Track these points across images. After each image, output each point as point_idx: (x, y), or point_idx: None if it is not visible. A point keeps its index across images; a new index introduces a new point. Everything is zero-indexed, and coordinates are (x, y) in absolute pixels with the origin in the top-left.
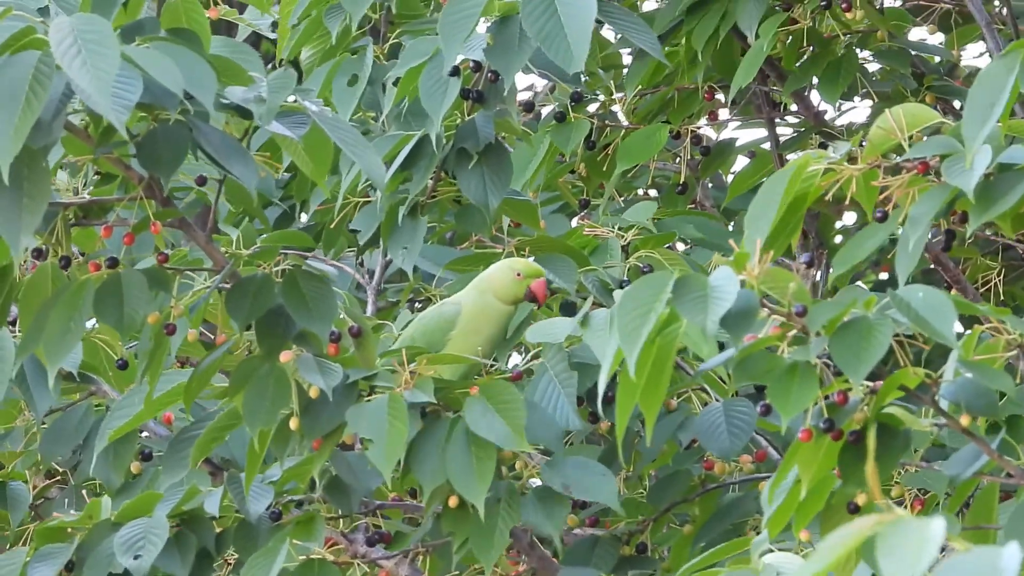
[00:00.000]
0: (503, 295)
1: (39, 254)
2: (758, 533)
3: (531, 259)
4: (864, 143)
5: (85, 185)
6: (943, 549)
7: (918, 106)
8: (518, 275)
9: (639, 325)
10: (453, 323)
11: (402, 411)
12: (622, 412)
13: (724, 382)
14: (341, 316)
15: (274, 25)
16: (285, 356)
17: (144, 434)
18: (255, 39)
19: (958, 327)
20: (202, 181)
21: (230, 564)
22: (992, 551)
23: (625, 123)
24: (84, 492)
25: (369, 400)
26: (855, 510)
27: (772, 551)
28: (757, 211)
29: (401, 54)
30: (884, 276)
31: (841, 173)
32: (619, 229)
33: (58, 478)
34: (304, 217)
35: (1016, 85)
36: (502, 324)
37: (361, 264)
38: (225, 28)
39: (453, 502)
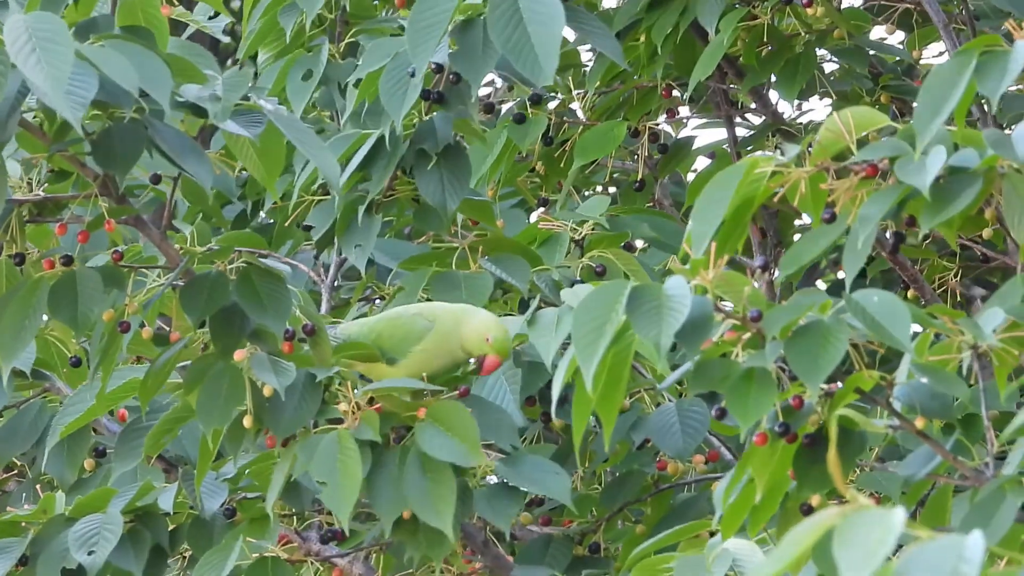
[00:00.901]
0: (467, 345)
1: None
2: (712, 533)
3: (503, 327)
4: (813, 146)
5: (39, 182)
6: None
7: (867, 109)
8: (487, 340)
9: (595, 339)
10: (420, 339)
11: (353, 450)
12: (578, 421)
13: (679, 384)
14: (296, 314)
15: (231, 25)
16: (239, 354)
17: (98, 432)
18: (213, 39)
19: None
20: (156, 179)
21: (184, 559)
22: (956, 539)
23: (583, 120)
24: (39, 487)
25: (317, 432)
26: (808, 511)
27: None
28: (704, 211)
29: (362, 55)
30: (842, 275)
31: (789, 176)
32: (574, 224)
33: (15, 472)
34: (262, 215)
35: (972, 85)
36: (456, 363)
37: (317, 259)
38: (180, 28)
39: (407, 514)
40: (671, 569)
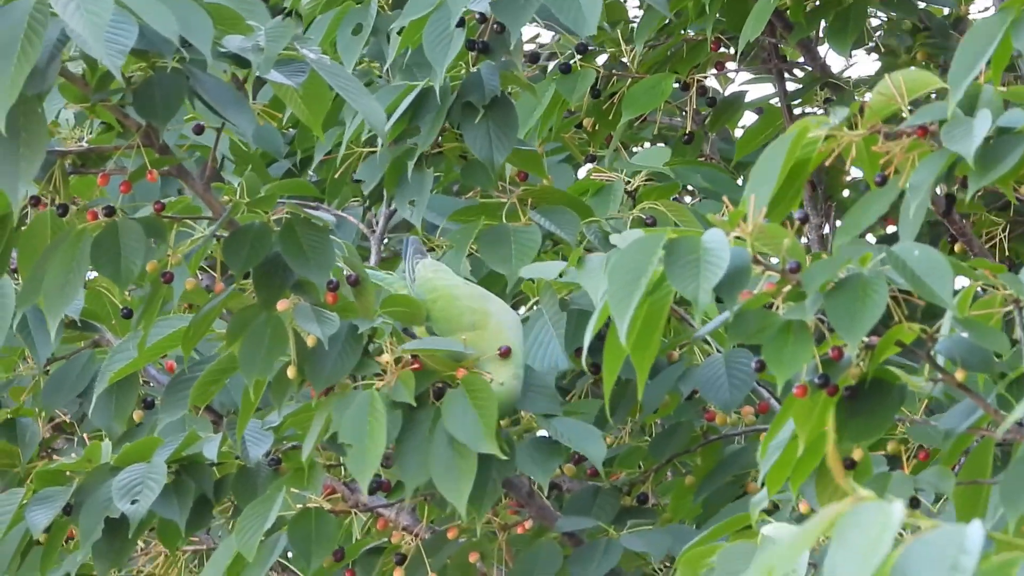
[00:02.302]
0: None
1: (37, 202)
2: (762, 485)
3: None
4: (864, 108)
5: (90, 133)
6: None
7: (918, 71)
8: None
9: (630, 291)
10: (461, 331)
11: (382, 414)
12: (610, 369)
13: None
14: (339, 265)
15: None
16: (282, 305)
17: (147, 383)
18: None
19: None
20: (199, 130)
21: (229, 510)
22: (956, 530)
23: (632, 72)
24: (87, 436)
25: (356, 388)
26: (851, 466)
27: (772, 512)
28: (759, 177)
29: (406, 3)
30: (892, 229)
31: (841, 139)
32: (627, 175)
33: (65, 432)
34: (310, 173)
35: (1007, 40)
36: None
37: (367, 212)
38: None
39: None
40: (713, 564)
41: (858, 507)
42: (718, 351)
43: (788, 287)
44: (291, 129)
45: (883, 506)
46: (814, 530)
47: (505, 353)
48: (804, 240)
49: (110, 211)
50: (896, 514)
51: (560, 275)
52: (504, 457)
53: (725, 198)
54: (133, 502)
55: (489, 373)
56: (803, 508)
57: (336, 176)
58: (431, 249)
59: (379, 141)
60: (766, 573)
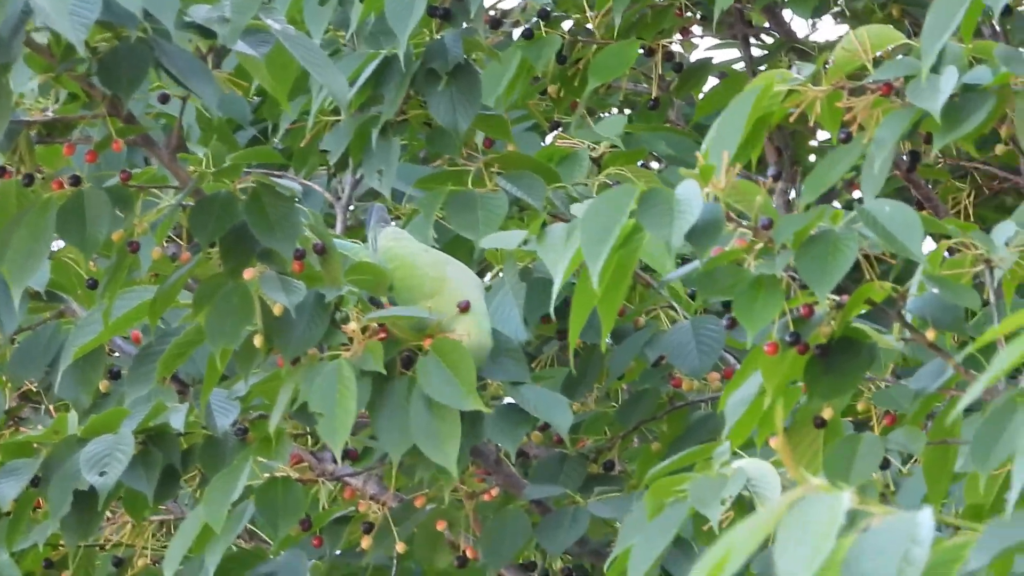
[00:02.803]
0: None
1: (2, 172)
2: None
3: None
4: (829, 64)
5: (56, 103)
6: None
7: (883, 27)
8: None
9: (604, 238)
10: (420, 300)
11: (351, 382)
12: (577, 317)
13: (692, 299)
14: (306, 234)
15: None
16: (249, 273)
17: (113, 354)
18: None
19: (930, 244)
20: (165, 99)
21: (196, 479)
22: (907, 520)
23: (597, 39)
24: (52, 409)
25: (322, 359)
26: (821, 424)
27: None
28: (723, 130)
29: None
30: (857, 195)
31: (805, 95)
32: (591, 143)
33: (31, 401)
34: (275, 141)
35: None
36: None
37: (332, 180)
38: None
39: None
40: (685, 491)
41: (806, 499)
42: (685, 318)
43: (759, 244)
44: (258, 97)
45: (830, 498)
46: (765, 522)
47: (464, 307)
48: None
49: (76, 180)
50: (843, 506)
51: (524, 242)
52: (489, 411)
53: (698, 154)
54: (101, 473)
55: (452, 332)
56: (773, 444)
57: (303, 145)
58: (397, 217)
59: (341, 110)
60: (717, 566)
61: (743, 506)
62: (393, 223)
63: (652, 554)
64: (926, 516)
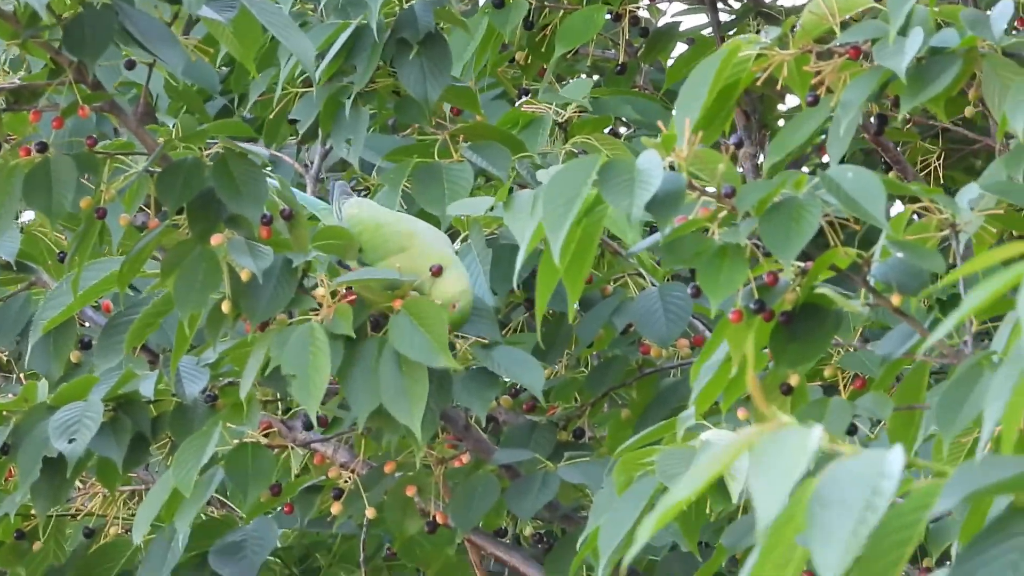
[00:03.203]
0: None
1: None
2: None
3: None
4: (796, 28)
5: (25, 71)
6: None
7: None
8: (452, 308)
9: (565, 211)
10: (385, 257)
11: (324, 343)
12: (542, 291)
13: (660, 267)
14: (273, 199)
15: None
16: (216, 239)
17: (83, 324)
18: None
19: (900, 208)
20: (131, 65)
21: (167, 446)
22: (877, 455)
23: (564, 4)
24: (23, 376)
25: (291, 324)
26: (788, 391)
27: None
28: (688, 96)
29: None
30: (827, 159)
31: (772, 58)
32: (557, 107)
33: (1, 370)
34: (244, 112)
35: None
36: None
37: (300, 151)
38: None
39: None
40: (653, 464)
41: (777, 432)
42: (653, 285)
43: (723, 212)
44: (226, 67)
45: (802, 430)
46: (729, 453)
47: (437, 272)
48: (740, 170)
49: (43, 147)
50: (814, 438)
51: (491, 209)
52: (459, 368)
53: (660, 123)
54: (70, 441)
55: (437, 298)
56: (741, 415)
57: (272, 116)
58: (367, 188)
59: (315, 79)
60: (686, 493)
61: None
62: (355, 196)
63: (621, 530)
64: (896, 452)
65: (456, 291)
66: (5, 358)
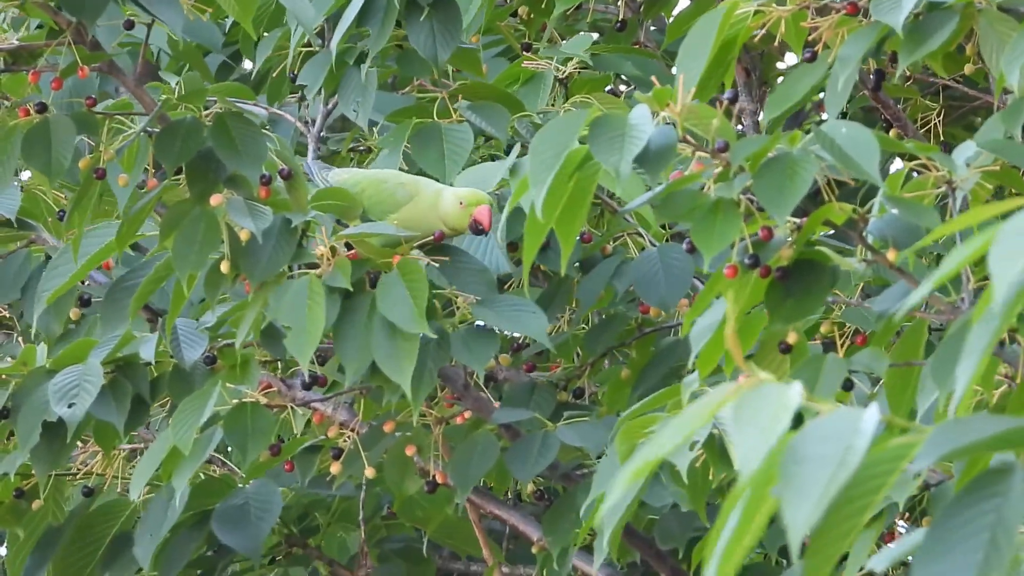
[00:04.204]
0: (448, 222)
1: None
2: (693, 368)
3: (473, 189)
4: None
5: (26, 29)
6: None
7: None
8: (461, 204)
9: (550, 165)
10: (397, 208)
11: (321, 297)
12: (530, 244)
13: (664, 228)
14: (272, 159)
15: None
16: (215, 199)
17: (85, 282)
18: None
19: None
20: (130, 25)
21: (167, 406)
22: (852, 413)
23: None
24: (21, 340)
25: (290, 278)
26: (787, 350)
27: (703, 391)
28: (689, 53)
29: None
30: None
31: (770, 15)
32: (558, 63)
33: (4, 327)
34: (248, 64)
35: None
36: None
37: (304, 103)
38: None
39: None
40: (651, 432)
41: (757, 388)
42: (653, 245)
43: (718, 168)
44: (226, 18)
45: (781, 387)
46: (709, 407)
47: (439, 237)
48: (740, 127)
49: (42, 107)
50: (794, 394)
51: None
52: (432, 335)
53: (654, 78)
54: (70, 405)
55: (460, 200)
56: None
57: (275, 76)
58: (368, 149)
59: (323, 41)
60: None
61: (713, 446)
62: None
63: (624, 500)
64: (872, 411)
65: (459, 191)
66: (7, 315)
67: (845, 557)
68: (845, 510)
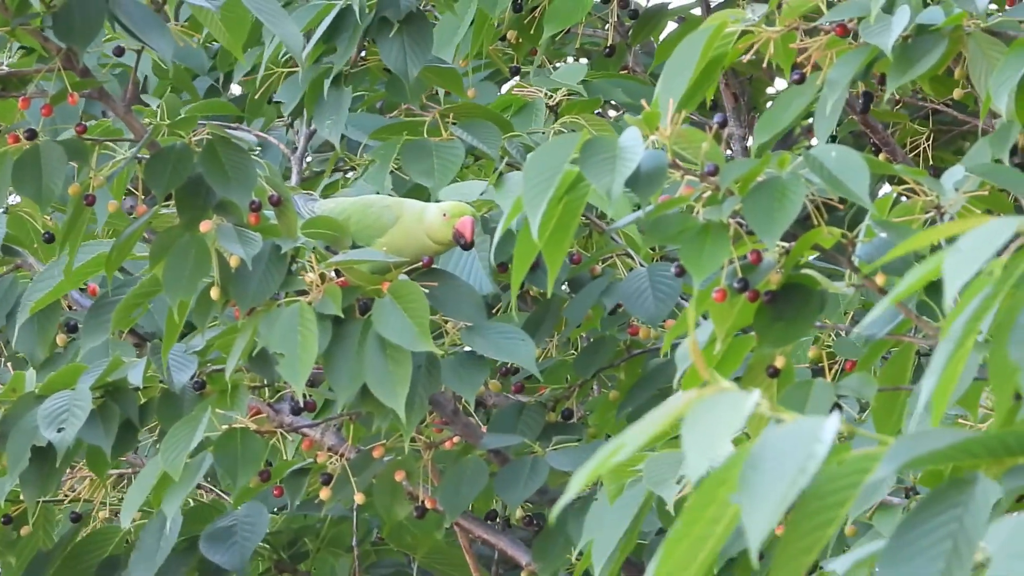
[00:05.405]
0: (433, 236)
1: None
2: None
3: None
4: (782, 5)
5: (10, 57)
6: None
7: None
8: (444, 215)
9: (544, 187)
10: (384, 231)
11: (312, 323)
12: (518, 269)
13: (653, 251)
14: (262, 185)
15: None
16: (205, 226)
17: (69, 308)
18: None
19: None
20: (120, 52)
21: (156, 431)
22: (813, 421)
23: None
24: (10, 365)
25: (279, 305)
26: (774, 374)
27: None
28: (672, 72)
29: None
30: (816, 143)
31: (758, 35)
32: (548, 91)
33: None
34: (234, 88)
35: None
36: (425, 253)
37: (292, 129)
38: None
39: None
40: (639, 472)
41: (715, 395)
42: (641, 265)
43: (707, 192)
44: (214, 43)
45: (738, 394)
46: (666, 416)
47: (428, 263)
48: (728, 152)
49: (32, 134)
50: (750, 401)
51: (481, 195)
52: (440, 353)
53: (644, 101)
54: (59, 430)
55: (444, 212)
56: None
57: (256, 97)
58: (353, 168)
59: (302, 64)
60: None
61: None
62: (349, 173)
63: (614, 539)
64: (833, 419)
65: (442, 205)
66: None
67: (813, 571)
68: (809, 522)
